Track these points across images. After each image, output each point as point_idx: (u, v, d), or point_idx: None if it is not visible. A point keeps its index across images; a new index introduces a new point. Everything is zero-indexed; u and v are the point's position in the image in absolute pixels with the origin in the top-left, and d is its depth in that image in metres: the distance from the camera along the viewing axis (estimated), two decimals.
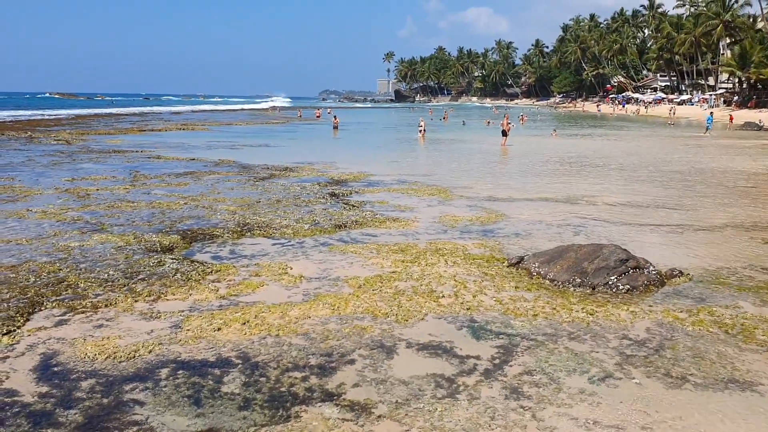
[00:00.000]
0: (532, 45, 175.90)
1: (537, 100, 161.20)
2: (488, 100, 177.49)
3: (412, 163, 24.87)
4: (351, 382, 5.69)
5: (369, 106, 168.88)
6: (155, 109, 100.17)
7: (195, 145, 31.73)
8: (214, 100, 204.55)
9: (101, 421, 4.98)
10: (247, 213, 13.35)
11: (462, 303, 7.79)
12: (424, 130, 40.02)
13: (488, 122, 60.48)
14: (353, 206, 14.40)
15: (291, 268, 9.25)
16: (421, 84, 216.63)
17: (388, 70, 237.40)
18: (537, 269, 9.06)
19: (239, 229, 11.77)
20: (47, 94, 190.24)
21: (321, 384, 5.64)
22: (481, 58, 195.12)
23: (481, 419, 5.06)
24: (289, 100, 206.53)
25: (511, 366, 6.07)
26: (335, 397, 5.40)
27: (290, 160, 24.61)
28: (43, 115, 70.56)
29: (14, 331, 6.83)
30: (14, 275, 8.67)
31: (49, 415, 5.09)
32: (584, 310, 7.61)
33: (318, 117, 74.62)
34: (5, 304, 7.53)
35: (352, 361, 6.11)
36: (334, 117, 52.76)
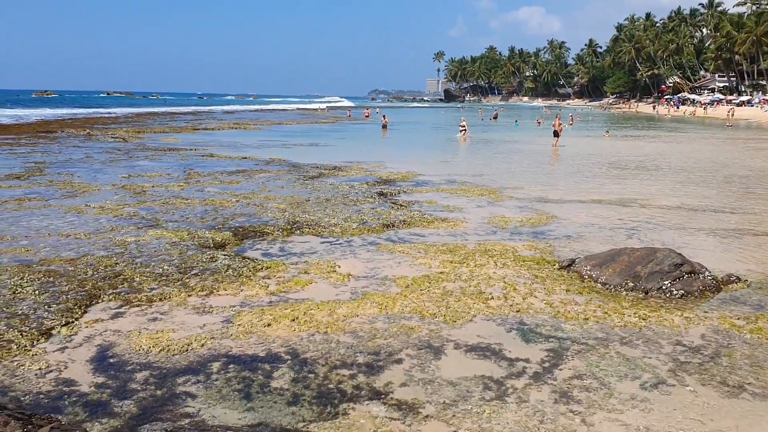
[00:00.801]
0: (585, 45, 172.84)
1: (589, 101, 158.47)
2: (540, 100, 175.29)
3: (462, 163, 24.76)
4: (398, 381, 5.69)
5: (418, 105, 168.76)
6: (208, 108, 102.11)
7: (246, 144, 32.24)
8: (266, 99, 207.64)
9: (155, 412, 5.11)
10: (296, 211, 13.50)
11: (511, 305, 7.72)
12: (466, 130, 40.16)
13: (539, 122, 59.75)
14: (401, 206, 14.41)
15: (339, 267, 9.31)
16: (472, 84, 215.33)
17: (438, 70, 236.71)
18: (588, 272, 8.91)
19: (289, 227, 11.90)
20: (105, 94, 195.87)
21: (368, 382, 5.66)
22: (532, 58, 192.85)
23: (530, 422, 5.01)
24: (345, 100, 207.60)
25: (561, 370, 5.98)
26: (383, 396, 5.41)
27: (339, 159, 24.77)
28: (100, 113, 72.71)
29: (73, 322, 7.05)
30: (73, 268, 8.96)
31: (105, 405, 5.24)
32: (637, 315, 7.45)
33: (367, 117, 74.87)
34: (64, 296, 7.79)
35: (399, 361, 6.12)
36: (383, 116, 52.86)
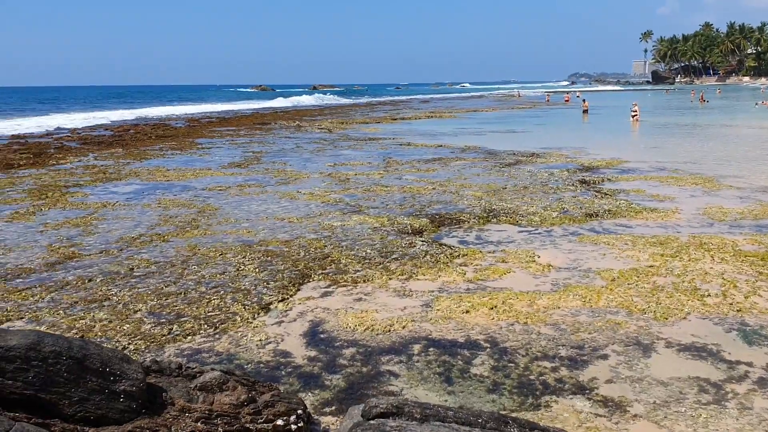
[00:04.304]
0: None
1: None
2: (763, 79, 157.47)
3: (672, 150, 22.98)
4: (604, 377, 5.45)
5: (622, 88, 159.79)
6: (406, 98, 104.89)
7: (442, 132, 32.63)
8: (461, 87, 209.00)
9: (361, 388, 5.36)
10: (492, 199, 13.42)
11: (731, 304, 7.05)
12: (638, 114, 38.52)
13: (763, 103, 53.77)
14: (605, 194, 13.74)
15: (539, 257, 9.11)
16: (683, 64, 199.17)
17: (645, 50, 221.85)
18: None
19: (485, 215, 11.87)
20: (312, 87, 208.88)
21: (572, 376, 5.48)
22: (756, 33, 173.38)
23: None
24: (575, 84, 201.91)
25: None
26: (587, 391, 5.21)
27: (537, 145, 24.22)
28: (307, 105, 77.65)
29: (288, 299, 7.63)
30: (287, 249, 9.68)
31: (317, 378, 5.60)
32: None
33: (567, 101, 72.41)
34: (280, 275, 8.45)
35: (604, 357, 5.85)
36: (584, 101, 50.75)
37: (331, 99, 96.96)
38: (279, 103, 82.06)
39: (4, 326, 6.68)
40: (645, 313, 6.87)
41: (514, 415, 4.75)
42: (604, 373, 5.52)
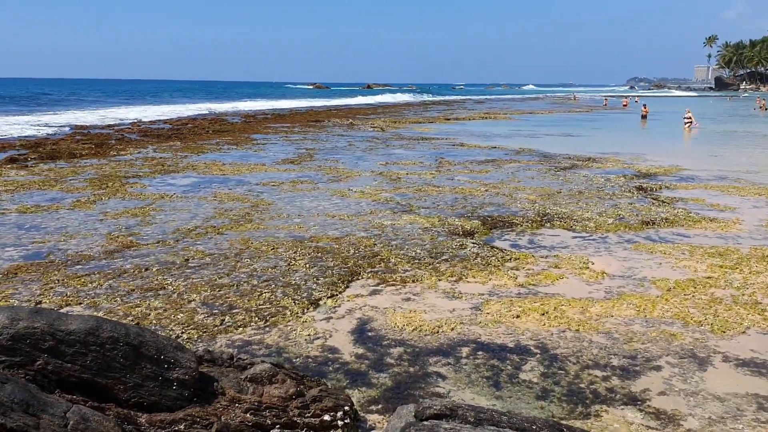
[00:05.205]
0: None
1: None
2: None
3: (734, 158, 22.25)
4: (656, 389, 5.31)
5: (683, 94, 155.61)
6: (460, 98, 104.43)
7: (496, 134, 32.35)
8: (519, 89, 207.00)
9: (408, 388, 5.35)
10: (546, 203, 13.23)
11: None
12: (692, 121, 37.25)
13: None
14: (663, 202, 13.40)
15: (592, 263, 8.94)
16: (749, 70, 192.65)
17: (709, 56, 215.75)
18: None
19: (538, 219, 11.72)
20: (366, 86, 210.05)
21: (623, 386, 5.36)
22: None
23: None
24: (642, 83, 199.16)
25: None
26: (639, 402, 5.09)
27: (594, 150, 23.79)
28: (360, 104, 78.07)
29: (337, 295, 7.68)
30: (337, 246, 9.74)
31: (364, 375, 5.62)
32: None
33: (625, 106, 70.93)
34: (330, 271, 8.50)
35: (658, 368, 5.71)
36: (644, 106, 49.57)
37: (408, 97, 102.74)
38: (360, 100, 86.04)
39: (63, 311, 6.91)
40: (701, 325, 6.67)
41: (564, 422, 4.67)
42: (657, 385, 5.38)
